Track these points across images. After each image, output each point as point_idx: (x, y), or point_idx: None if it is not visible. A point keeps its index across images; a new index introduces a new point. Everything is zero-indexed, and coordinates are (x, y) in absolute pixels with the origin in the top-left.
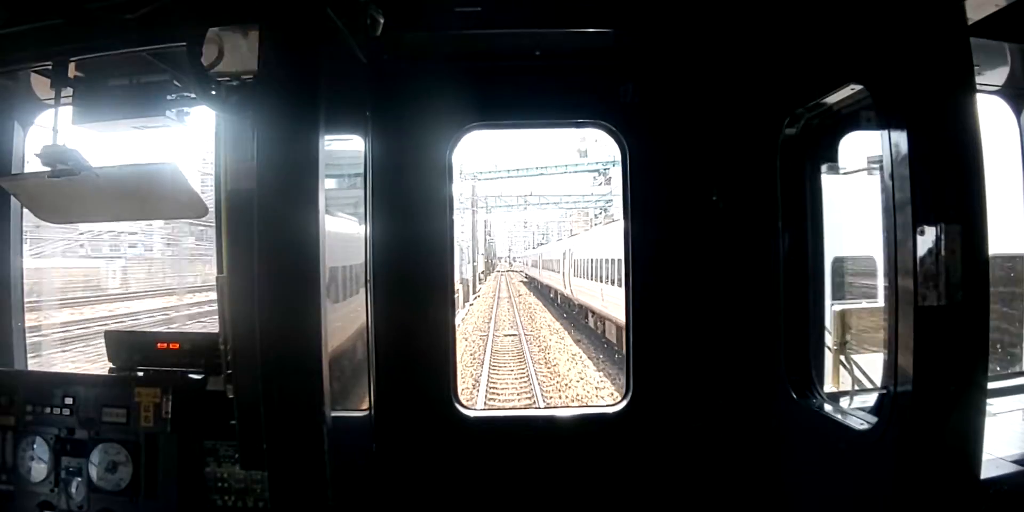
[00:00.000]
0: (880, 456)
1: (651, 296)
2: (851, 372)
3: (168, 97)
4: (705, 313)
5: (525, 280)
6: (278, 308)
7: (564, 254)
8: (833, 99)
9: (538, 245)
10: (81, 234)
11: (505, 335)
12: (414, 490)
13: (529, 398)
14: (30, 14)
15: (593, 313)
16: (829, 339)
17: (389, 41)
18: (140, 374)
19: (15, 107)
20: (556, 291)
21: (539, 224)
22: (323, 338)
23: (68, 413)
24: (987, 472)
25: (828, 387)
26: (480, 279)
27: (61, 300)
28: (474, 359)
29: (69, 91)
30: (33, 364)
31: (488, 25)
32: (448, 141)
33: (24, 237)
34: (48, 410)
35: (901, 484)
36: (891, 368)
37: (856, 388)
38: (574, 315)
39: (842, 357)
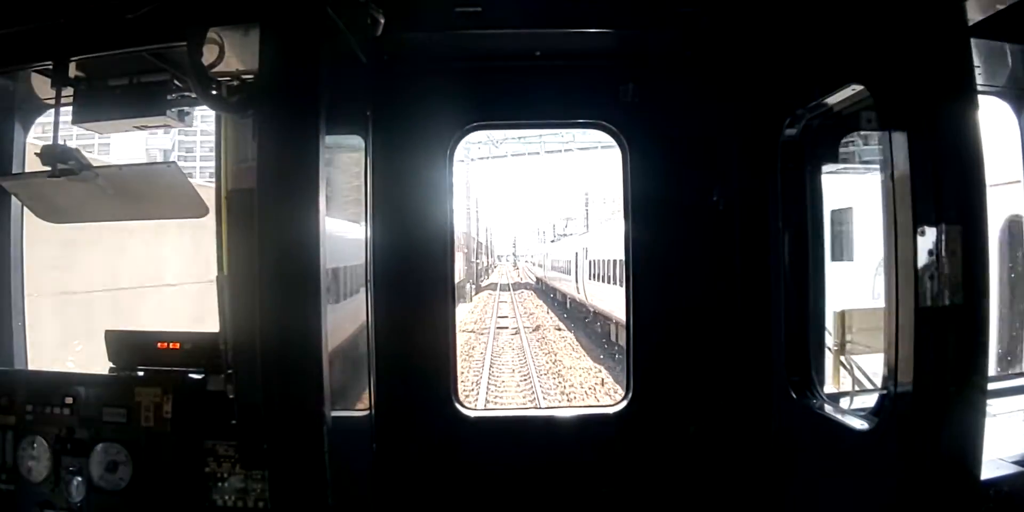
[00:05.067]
0: (880, 457)
1: (651, 296)
2: (851, 372)
3: (168, 97)
4: (705, 313)
5: (537, 288)
6: (278, 308)
7: None
8: (833, 100)
9: (559, 237)
10: None
11: None
12: (414, 490)
13: None
14: (30, 14)
15: None
16: (829, 339)
17: (389, 41)
18: (140, 374)
19: (16, 107)
20: None
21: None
22: (323, 338)
23: (68, 413)
24: (987, 473)
25: (828, 387)
26: None
27: None
28: None
29: (70, 91)
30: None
31: (488, 25)
32: (448, 141)
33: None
34: (48, 410)
35: (901, 485)
36: (891, 368)
37: (856, 388)
38: None
39: (842, 357)
